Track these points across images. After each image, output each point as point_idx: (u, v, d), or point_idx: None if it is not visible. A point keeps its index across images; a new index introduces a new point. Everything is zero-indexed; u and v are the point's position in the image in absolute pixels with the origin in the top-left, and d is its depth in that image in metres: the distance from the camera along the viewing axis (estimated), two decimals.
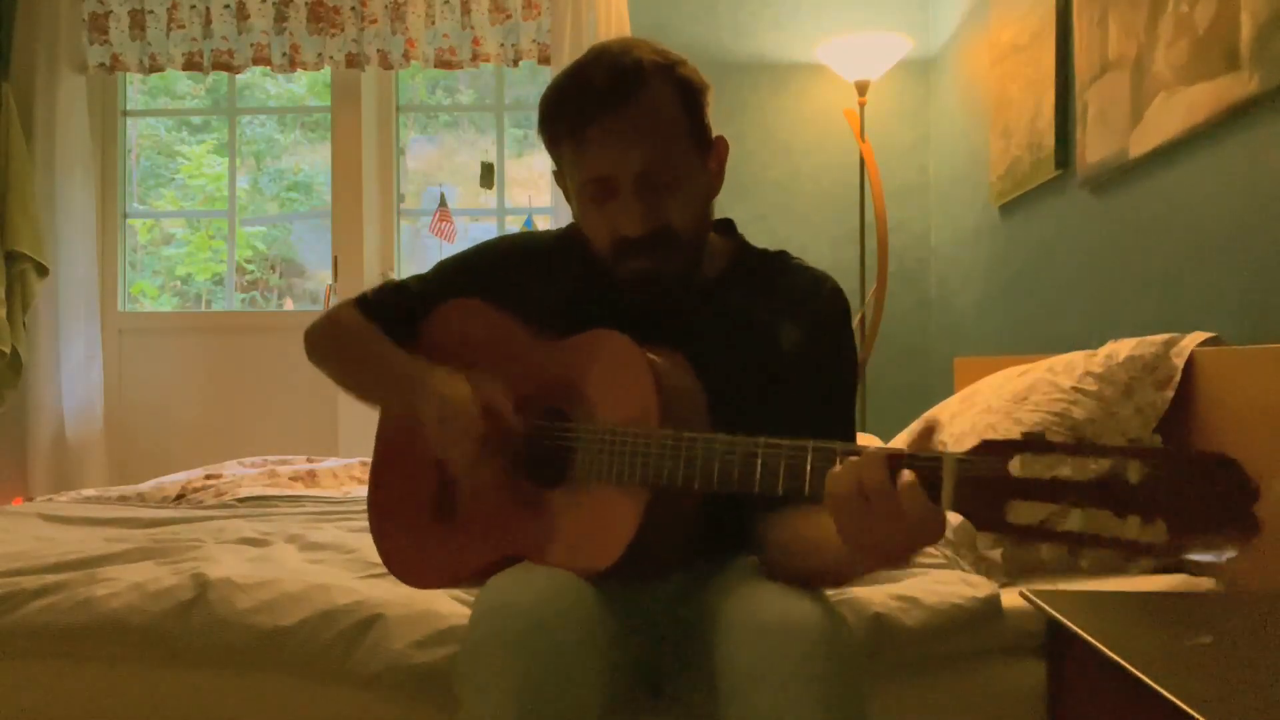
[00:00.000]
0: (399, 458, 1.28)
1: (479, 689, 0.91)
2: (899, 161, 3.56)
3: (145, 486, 2.40)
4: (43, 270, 3.45)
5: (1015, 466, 0.78)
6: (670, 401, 1.05)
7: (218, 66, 3.57)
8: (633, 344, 1.08)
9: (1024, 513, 0.78)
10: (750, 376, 1.16)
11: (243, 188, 4.07)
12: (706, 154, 1.19)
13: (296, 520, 1.95)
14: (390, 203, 3.81)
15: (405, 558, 1.25)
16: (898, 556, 0.87)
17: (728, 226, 1.30)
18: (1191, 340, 1.53)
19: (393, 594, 1.29)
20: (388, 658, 1.23)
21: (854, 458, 0.87)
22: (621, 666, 1.05)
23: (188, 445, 3.60)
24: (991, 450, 0.80)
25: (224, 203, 3.95)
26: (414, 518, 1.23)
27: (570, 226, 1.28)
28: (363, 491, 2.28)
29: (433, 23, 3.52)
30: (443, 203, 3.75)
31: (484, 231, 4.03)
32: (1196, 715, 0.80)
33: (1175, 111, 1.70)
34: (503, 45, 3.52)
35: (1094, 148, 2.05)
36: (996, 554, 1.46)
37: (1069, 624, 1.10)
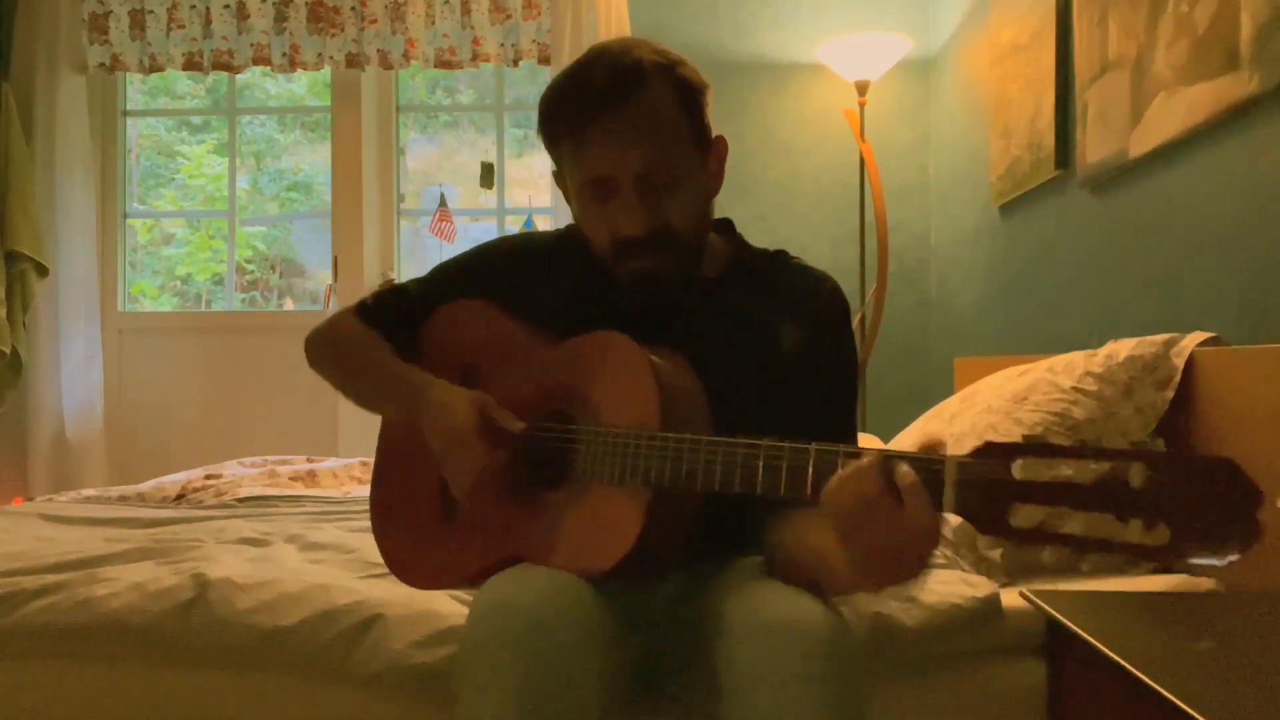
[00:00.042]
0: (401, 458, 1.28)
1: (478, 688, 0.91)
2: (899, 161, 3.56)
3: (145, 486, 2.40)
4: (43, 270, 3.45)
5: (1017, 469, 0.78)
6: (672, 402, 1.05)
7: (218, 66, 3.57)
8: (634, 345, 1.08)
9: (1026, 516, 0.78)
10: (750, 376, 1.16)
11: (243, 188, 4.07)
12: (706, 154, 1.19)
13: (296, 520, 1.95)
14: (390, 203, 3.81)
15: (407, 558, 1.25)
16: (902, 563, 0.86)
17: (727, 226, 1.30)
18: (1191, 340, 1.53)
19: (393, 594, 1.29)
20: (388, 658, 1.23)
21: (851, 463, 0.87)
22: (621, 666, 1.05)
23: (188, 445, 3.60)
24: (993, 453, 0.80)
25: (224, 203, 3.95)
26: (416, 518, 1.23)
27: (570, 227, 1.28)
28: (363, 491, 2.28)
29: (433, 23, 3.52)
30: (443, 203, 3.75)
31: (484, 231, 4.03)
32: (1197, 716, 0.80)
33: (1175, 111, 1.70)
34: (503, 45, 3.52)
35: (1094, 148, 2.05)
36: (996, 554, 1.46)
37: (1069, 624, 1.10)
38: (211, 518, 1.98)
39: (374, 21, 3.52)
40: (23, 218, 3.38)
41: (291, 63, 3.55)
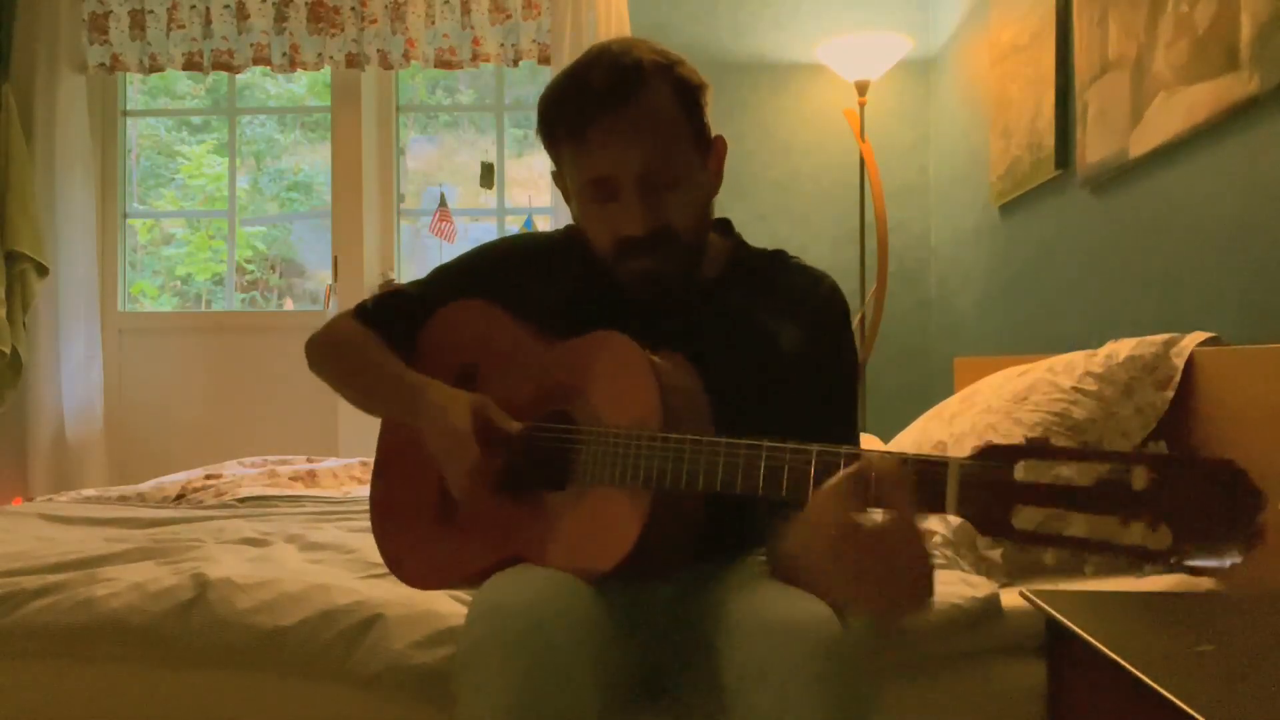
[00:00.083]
0: (401, 459, 1.28)
1: (476, 688, 0.91)
2: (899, 161, 3.56)
3: (145, 486, 2.41)
4: (43, 270, 3.45)
5: (1019, 471, 0.78)
6: (672, 403, 1.05)
7: (218, 66, 3.57)
8: (635, 345, 1.08)
9: (1028, 517, 0.78)
10: (750, 376, 1.16)
11: (243, 188, 4.07)
12: (706, 154, 1.19)
13: (296, 520, 1.95)
14: (390, 203, 3.81)
15: (407, 558, 1.25)
16: (893, 587, 0.85)
17: (725, 226, 1.30)
18: (1191, 340, 1.53)
19: (393, 594, 1.29)
20: (388, 658, 1.23)
21: (812, 497, 0.87)
22: (621, 666, 1.04)
23: (188, 445, 3.60)
24: (995, 454, 0.80)
25: (224, 203, 3.95)
26: (416, 519, 1.23)
27: (570, 227, 1.28)
28: (363, 491, 2.28)
29: (433, 23, 3.52)
30: (443, 203, 3.75)
31: (484, 231, 4.03)
32: (1197, 716, 0.80)
33: (1175, 111, 1.70)
34: (503, 45, 3.52)
35: (1094, 148, 2.05)
36: (997, 554, 1.46)
37: (1069, 624, 1.10)
38: (211, 518, 1.98)
39: (374, 21, 3.52)
40: (23, 218, 3.38)
41: (291, 63, 3.55)
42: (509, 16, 3.51)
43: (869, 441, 2.55)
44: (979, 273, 3.02)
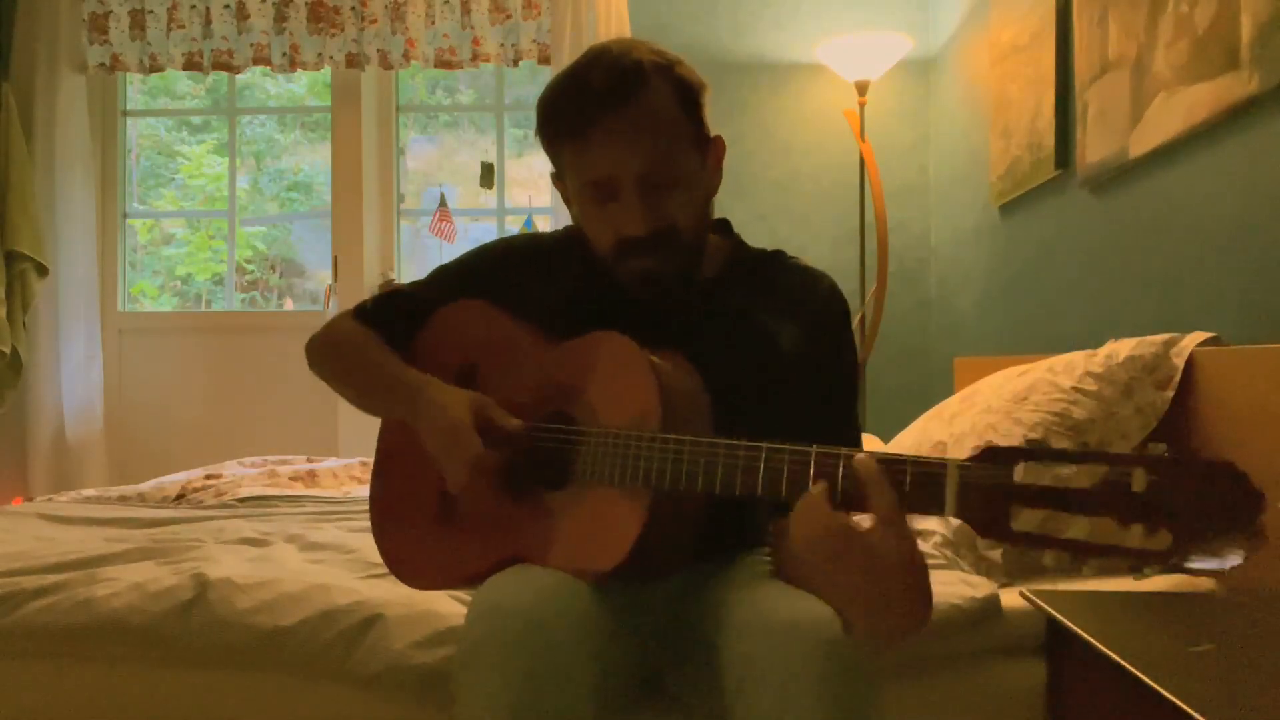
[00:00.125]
0: (401, 459, 1.28)
1: (476, 688, 0.91)
2: (899, 161, 3.56)
3: (145, 486, 2.41)
4: (43, 270, 3.45)
5: (1019, 473, 0.78)
6: (672, 403, 1.05)
7: (218, 66, 3.57)
8: (634, 345, 1.08)
9: (1027, 520, 0.78)
10: (750, 377, 1.16)
11: (243, 188, 4.07)
12: (705, 153, 1.19)
13: (296, 520, 1.95)
14: (390, 203, 3.81)
15: (407, 558, 1.25)
16: (886, 598, 0.84)
17: (725, 226, 1.30)
18: (1191, 340, 1.53)
19: (393, 594, 1.29)
20: (388, 658, 1.23)
21: (800, 500, 0.87)
22: (621, 666, 1.05)
23: (188, 445, 3.60)
24: (995, 456, 0.80)
25: (224, 203, 3.95)
26: (416, 519, 1.23)
27: (570, 227, 1.28)
28: (363, 491, 2.28)
29: (433, 23, 3.52)
30: (443, 203, 3.75)
31: (484, 231, 4.03)
32: (1197, 716, 0.80)
33: (1175, 111, 1.70)
34: (503, 45, 3.52)
35: (1094, 148, 2.05)
36: (996, 554, 1.46)
37: (1069, 624, 1.10)
38: (211, 518, 1.98)
39: (374, 21, 3.52)
40: (23, 218, 3.38)
41: (291, 63, 3.55)
42: (509, 16, 3.51)
43: (869, 441, 2.55)
44: (979, 273, 3.02)
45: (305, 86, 4.19)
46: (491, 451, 1.09)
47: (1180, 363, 1.51)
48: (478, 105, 4.21)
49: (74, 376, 3.55)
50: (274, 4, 3.54)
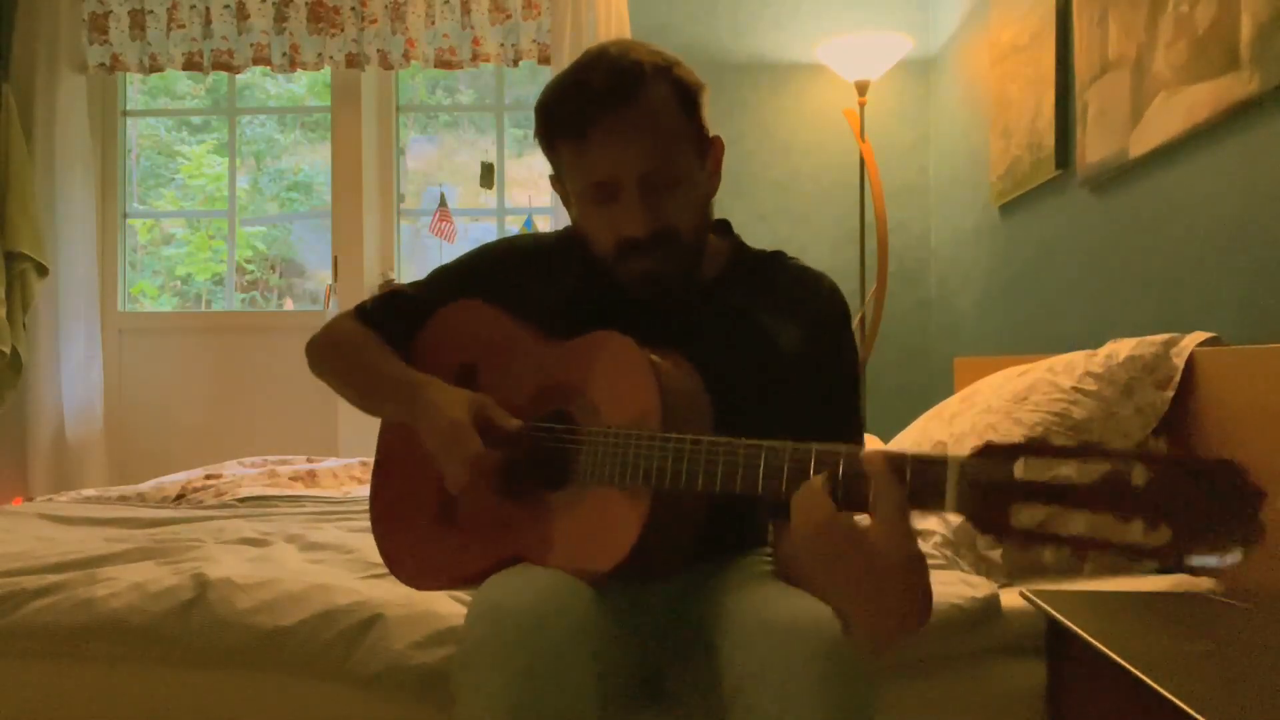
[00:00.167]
0: (401, 459, 1.28)
1: (475, 688, 0.91)
2: (899, 161, 3.56)
3: (145, 486, 2.41)
4: (43, 270, 3.45)
5: (1019, 469, 0.78)
6: (672, 403, 1.05)
7: (218, 66, 3.57)
8: (634, 345, 1.08)
9: (1027, 516, 0.78)
10: (751, 377, 1.16)
11: (243, 188, 4.07)
12: (705, 154, 1.19)
13: (296, 520, 1.95)
14: (390, 203, 3.81)
15: (407, 559, 1.25)
16: (884, 592, 0.83)
17: (724, 227, 1.30)
18: (1191, 340, 1.53)
19: (393, 594, 1.29)
20: (388, 658, 1.23)
21: (802, 485, 0.87)
22: (621, 666, 1.05)
23: (188, 445, 3.61)
24: (995, 453, 0.80)
25: (224, 203, 3.95)
26: (416, 519, 1.23)
27: (569, 228, 1.28)
28: (363, 491, 2.28)
29: (433, 23, 3.52)
30: (443, 203, 3.75)
31: (484, 231, 4.03)
32: (1197, 716, 0.80)
33: (1175, 111, 1.70)
34: (503, 45, 3.52)
35: (1094, 148, 2.05)
36: (996, 554, 1.46)
37: (1069, 624, 1.10)
38: (211, 518, 1.98)
39: (374, 21, 3.52)
40: (23, 218, 3.38)
41: (291, 63, 3.55)
42: (509, 16, 3.52)
43: (870, 442, 2.55)
44: (979, 273, 3.02)
45: (305, 86, 4.19)
46: (491, 451, 1.09)
47: (1180, 363, 1.51)
48: (478, 105, 4.21)
49: (74, 376, 3.55)
50: (274, 4, 3.54)
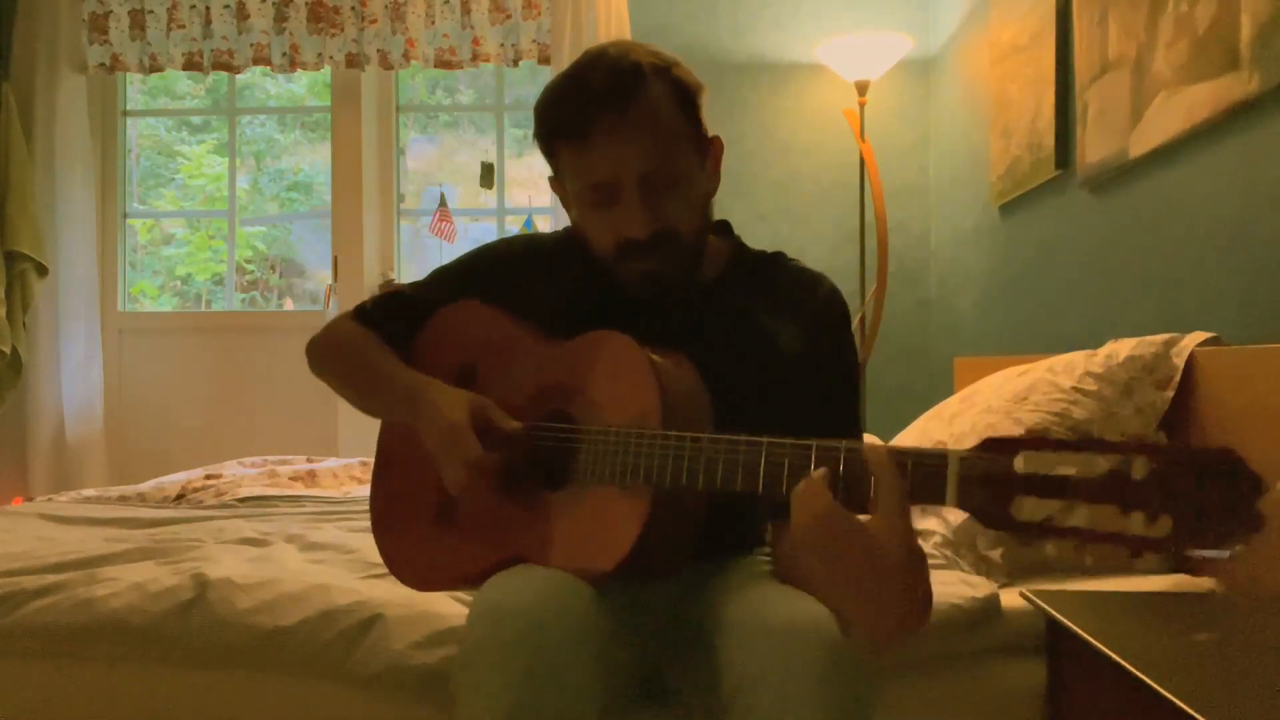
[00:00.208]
0: (401, 460, 1.28)
1: (476, 689, 0.91)
2: (899, 161, 3.56)
3: (145, 486, 2.41)
4: (43, 270, 3.45)
5: (1019, 463, 0.78)
6: (672, 402, 1.05)
7: (218, 66, 3.57)
8: (634, 344, 1.08)
9: (1029, 509, 0.78)
10: (751, 377, 1.16)
11: (243, 188, 4.07)
12: (704, 154, 1.19)
13: (296, 520, 1.95)
14: (390, 203, 3.81)
15: (408, 559, 1.25)
16: (884, 588, 0.83)
17: (724, 228, 1.30)
18: (1191, 340, 1.53)
19: (393, 594, 1.29)
20: (388, 658, 1.23)
21: (802, 479, 0.86)
22: (621, 666, 1.05)
23: (188, 445, 3.61)
24: (996, 447, 0.80)
25: (224, 203, 3.95)
26: (417, 520, 1.23)
27: (569, 228, 1.28)
28: (363, 491, 2.28)
29: (433, 23, 3.52)
30: (443, 203, 3.75)
31: (484, 231, 4.03)
32: (1197, 715, 0.80)
33: (1175, 111, 1.70)
34: (503, 45, 3.52)
35: (1094, 148, 2.05)
36: (996, 554, 1.46)
37: (1069, 624, 1.10)
38: (211, 518, 1.98)
39: (374, 21, 3.52)
40: (23, 218, 3.38)
41: (291, 63, 3.55)
42: (509, 16, 3.52)
43: (869, 442, 2.55)
44: (979, 273, 3.02)
45: (305, 86, 4.20)
46: (491, 452, 1.09)
47: (1180, 363, 1.51)
48: (478, 105, 4.21)
49: (74, 376, 3.55)
50: (274, 4, 3.54)
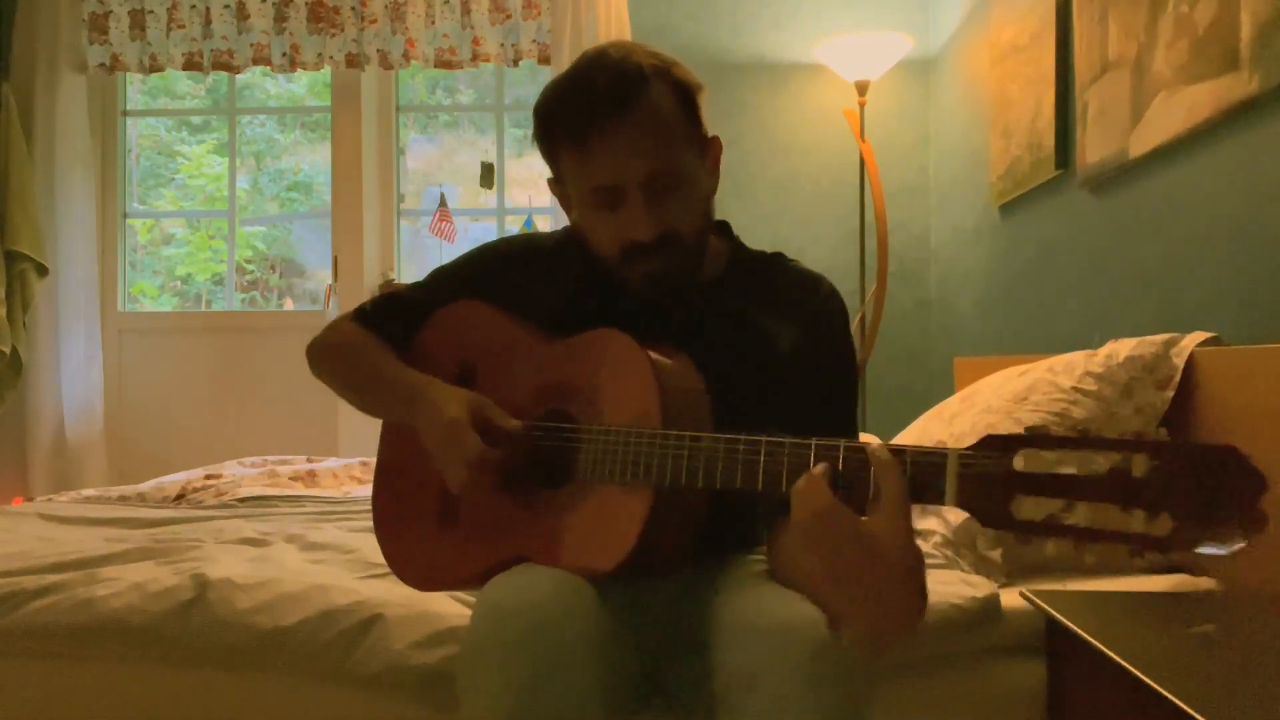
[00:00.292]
0: (402, 460, 1.28)
1: (478, 689, 0.91)
2: (899, 161, 3.56)
3: (145, 486, 2.41)
4: (43, 270, 3.45)
5: (1019, 461, 0.78)
6: (672, 401, 1.05)
7: (218, 66, 3.57)
8: (635, 343, 1.08)
9: (1028, 508, 0.78)
10: (750, 377, 1.16)
11: (243, 188, 4.07)
12: (705, 154, 1.19)
13: (296, 520, 1.95)
14: (390, 203, 3.81)
15: (410, 559, 1.25)
16: (882, 586, 0.83)
17: (724, 228, 1.30)
18: (1191, 340, 1.53)
19: (393, 594, 1.29)
20: (388, 658, 1.23)
21: (803, 475, 0.86)
22: (622, 666, 1.04)
23: (188, 445, 3.61)
24: (995, 445, 0.79)
25: (224, 203, 3.95)
26: (418, 520, 1.23)
27: (569, 228, 1.28)
28: (363, 491, 2.28)
29: (433, 23, 3.52)
30: (443, 203, 3.75)
31: (484, 231, 4.03)
32: (1196, 715, 0.80)
33: (1175, 111, 1.70)
34: (503, 45, 3.52)
35: (1094, 148, 2.05)
36: (996, 554, 1.46)
37: (1069, 624, 1.10)
38: (211, 518, 1.98)
39: (374, 21, 3.52)
40: (23, 218, 3.38)
41: (291, 63, 3.55)
42: (509, 16, 3.52)
43: (869, 441, 2.55)
44: (979, 273, 3.02)
45: (305, 86, 4.19)
46: (491, 451, 1.09)
47: (1180, 363, 1.51)
48: (478, 105, 4.21)
49: (74, 376, 3.55)
50: (274, 4, 3.54)
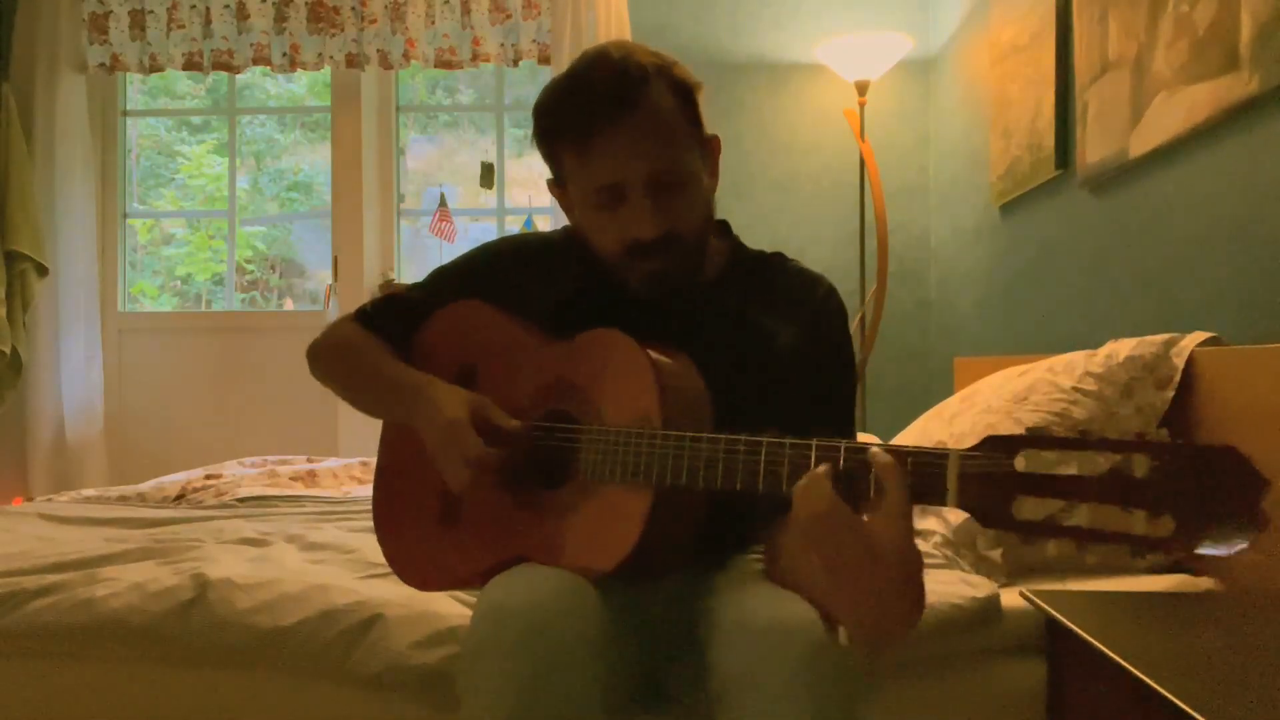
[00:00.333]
0: (403, 461, 1.28)
1: (478, 690, 0.91)
2: (899, 162, 3.56)
3: (145, 486, 2.41)
4: (43, 270, 3.45)
5: (1020, 462, 0.78)
6: (673, 401, 1.05)
7: (218, 66, 3.57)
8: (635, 343, 1.08)
9: (1030, 508, 0.78)
10: (750, 377, 1.16)
11: (243, 188, 4.07)
12: (705, 153, 1.19)
13: (296, 520, 1.95)
14: (390, 203, 3.81)
15: (411, 559, 1.25)
16: (878, 584, 0.83)
17: (724, 228, 1.30)
18: (1191, 340, 1.53)
19: (393, 594, 1.29)
20: (387, 658, 1.23)
21: (805, 474, 0.86)
22: (622, 666, 1.05)
23: (188, 445, 3.61)
24: (996, 446, 0.79)
25: (224, 203, 3.95)
26: (419, 521, 1.23)
27: (569, 228, 1.28)
28: (362, 491, 2.29)
29: (433, 23, 3.52)
30: (443, 203, 3.75)
31: (484, 231, 4.03)
32: (1196, 715, 0.80)
33: (1175, 111, 1.70)
34: (503, 45, 3.52)
35: (1094, 148, 2.05)
36: (996, 554, 1.46)
37: (1069, 624, 1.10)
38: (211, 518, 1.98)
39: (374, 21, 3.52)
40: (23, 218, 3.38)
41: (291, 63, 3.55)
42: (509, 16, 3.52)
43: (868, 441, 2.55)
44: (979, 273, 3.02)
45: (305, 86, 4.19)
46: (492, 451, 1.09)
47: (1180, 363, 1.51)
48: (478, 105, 4.21)
49: (74, 376, 3.56)
50: (274, 4, 3.54)
